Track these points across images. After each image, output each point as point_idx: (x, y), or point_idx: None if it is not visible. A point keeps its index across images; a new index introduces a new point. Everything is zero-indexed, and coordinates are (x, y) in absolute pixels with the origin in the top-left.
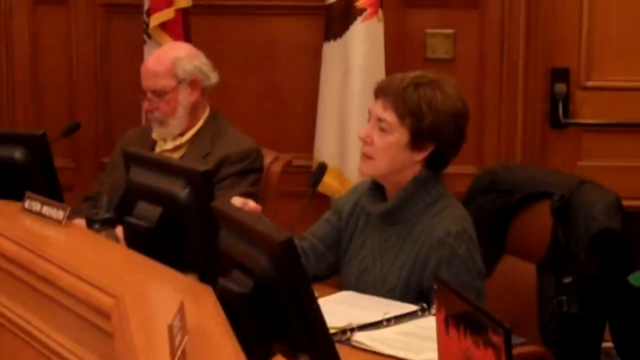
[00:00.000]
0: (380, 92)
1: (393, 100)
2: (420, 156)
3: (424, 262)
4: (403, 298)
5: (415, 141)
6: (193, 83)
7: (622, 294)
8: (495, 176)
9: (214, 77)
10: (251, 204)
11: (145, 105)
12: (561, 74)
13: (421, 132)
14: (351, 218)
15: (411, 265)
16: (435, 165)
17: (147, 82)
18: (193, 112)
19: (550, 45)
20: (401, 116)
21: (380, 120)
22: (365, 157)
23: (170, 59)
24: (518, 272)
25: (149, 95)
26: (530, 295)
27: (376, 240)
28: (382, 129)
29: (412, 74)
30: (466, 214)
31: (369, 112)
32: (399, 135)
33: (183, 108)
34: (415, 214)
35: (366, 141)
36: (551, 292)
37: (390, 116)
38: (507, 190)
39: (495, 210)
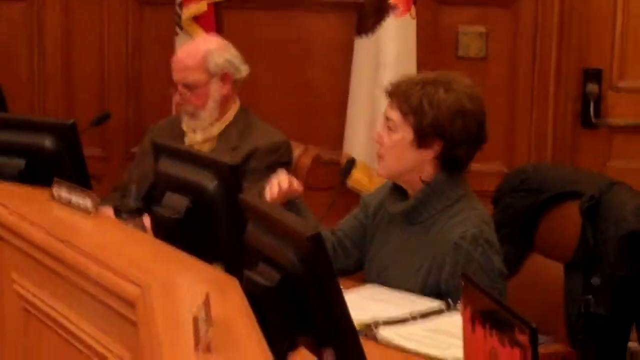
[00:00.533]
0: (389, 92)
1: (397, 98)
2: (428, 155)
3: (440, 265)
4: None
5: (420, 139)
6: (224, 76)
7: None
8: (525, 175)
9: (244, 70)
10: (295, 182)
11: (177, 98)
12: (593, 74)
13: (423, 130)
14: (377, 215)
15: (428, 267)
16: (449, 165)
17: (178, 76)
18: (223, 105)
19: (583, 46)
20: (404, 114)
21: (387, 119)
22: (378, 157)
23: (202, 52)
24: (546, 271)
25: (180, 88)
26: (557, 294)
27: (397, 239)
28: (389, 128)
29: (423, 74)
30: (485, 216)
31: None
32: (404, 134)
33: (214, 101)
34: (433, 215)
35: (378, 141)
36: (578, 292)
37: (395, 114)
38: (536, 189)
39: (525, 208)
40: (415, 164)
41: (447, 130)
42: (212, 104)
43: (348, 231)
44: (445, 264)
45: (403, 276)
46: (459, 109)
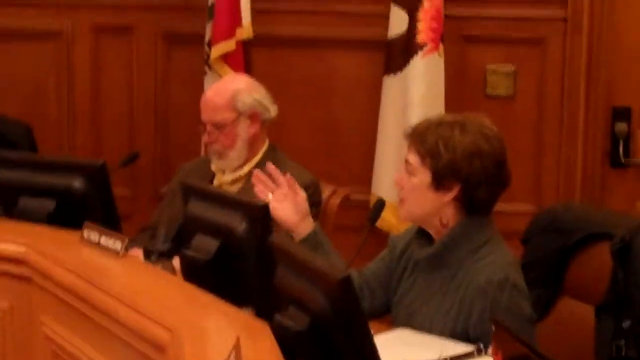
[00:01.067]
0: (408, 135)
1: (415, 141)
2: (447, 197)
3: (468, 310)
4: None
5: (438, 181)
6: (253, 116)
7: None
8: (554, 215)
9: (273, 111)
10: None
11: (205, 138)
12: (622, 113)
13: (440, 172)
14: (403, 257)
15: (456, 312)
16: (471, 208)
17: (206, 115)
18: (252, 144)
19: (612, 84)
20: (422, 157)
21: (407, 162)
22: (400, 201)
23: (231, 91)
24: (576, 314)
25: (209, 127)
26: (588, 337)
27: (423, 284)
28: (408, 172)
29: (442, 116)
30: (512, 260)
31: None
32: (422, 177)
33: (242, 141)
34: (459, 260)
35: (399, 185)
36: (609, 335)
37: (413, 158)
38: (566, 230)
39: (554, 250)
40: (435, 207)
41: (463, 172)
42: (240, 144)
43: (376, 271)
44: (473, 310)
45: (431, 321)
46: (475, 150)
